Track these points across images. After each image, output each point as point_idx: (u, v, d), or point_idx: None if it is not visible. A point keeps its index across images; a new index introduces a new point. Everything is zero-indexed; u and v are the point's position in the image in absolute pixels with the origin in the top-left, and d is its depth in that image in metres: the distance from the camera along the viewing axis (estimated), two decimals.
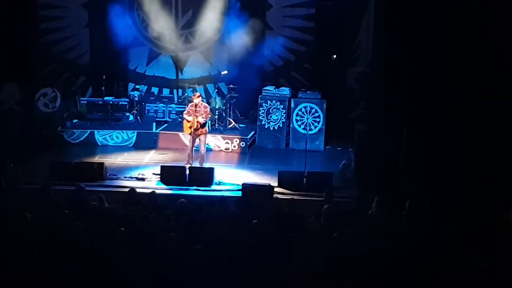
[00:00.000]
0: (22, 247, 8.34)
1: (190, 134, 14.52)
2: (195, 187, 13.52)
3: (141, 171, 14.50)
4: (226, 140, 16.61)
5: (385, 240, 8.89)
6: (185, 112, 14.77)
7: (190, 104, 14.80)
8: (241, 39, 17.49)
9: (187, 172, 13.83)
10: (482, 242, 8.76)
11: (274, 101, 16.99)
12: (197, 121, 14.38)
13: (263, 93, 17.16)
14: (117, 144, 16.82)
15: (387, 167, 12.96)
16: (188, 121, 14.47)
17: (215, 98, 17.51)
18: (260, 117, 17.05)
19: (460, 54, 11.48)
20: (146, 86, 18.70)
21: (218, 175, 13.98)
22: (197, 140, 14.60)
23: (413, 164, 12.55)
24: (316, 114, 16.68)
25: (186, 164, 14.48)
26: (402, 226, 9.67)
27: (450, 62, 11.67)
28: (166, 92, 18.99)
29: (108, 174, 14.12)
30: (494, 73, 11.12)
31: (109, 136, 16.86)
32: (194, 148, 14.63)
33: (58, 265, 7.93)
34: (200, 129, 14.51)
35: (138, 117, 17.68)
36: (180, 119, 16.89)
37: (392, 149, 12.95)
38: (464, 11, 11.41)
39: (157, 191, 11.86)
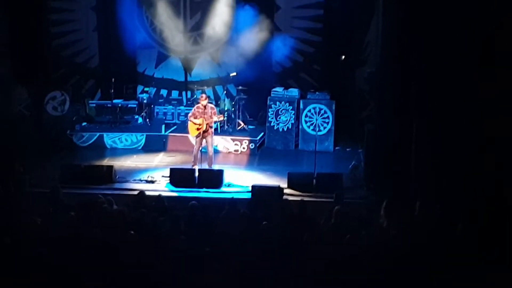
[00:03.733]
0: (32, 251, 8.32)
1: (197, 136, 14.48)
2: (204, 189, 13.49)
3: (150, 173, 14.47)
4: (235, 142, 16.59)
5: (396, 241, 8.84)
6: (191, 114, 14.63)
7: (196, 106, 14.71)
8: (249, 40, 17.47)
9: (197, 174, 13.81)
10: (494, 242, 8.67)
11: (283, 102, 16.96)
12: (207, 123, 14.34)
13: (272, 95, 17.13)
14: (126, 147, 16.81)
15: (397, 168, 12.89)
16: (195, 124, 14.40)
17: (224, 100, 17.52)
18: (269, 119, 17.02)
19: (472, 52, 11.38)
20: (155, 89, 18.72)
21: (227, 177, 13.95)
22: (204, 141, 14.57)
23: (424, 164, 12.47)
24: (325, 115, 16.64)
25: (192, 166, 14.44)
26: (413, 228, 9.60)
27: (461, 61, 11.58)
28: (175, 94, 19.00)
29: (117, 177, 14.11)
30: (509, 73, 11.01)
31: (118, 139, 16.86)
32: (200, 150, 14.57)
33: (68, 269, 7.91)
34: (208, 130, 14.47)
35: (147, 120, 17.68)
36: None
37: (402, 149, 12.87)
38: (475, 8, 11.30)
39: (166, 194, 11.83)
